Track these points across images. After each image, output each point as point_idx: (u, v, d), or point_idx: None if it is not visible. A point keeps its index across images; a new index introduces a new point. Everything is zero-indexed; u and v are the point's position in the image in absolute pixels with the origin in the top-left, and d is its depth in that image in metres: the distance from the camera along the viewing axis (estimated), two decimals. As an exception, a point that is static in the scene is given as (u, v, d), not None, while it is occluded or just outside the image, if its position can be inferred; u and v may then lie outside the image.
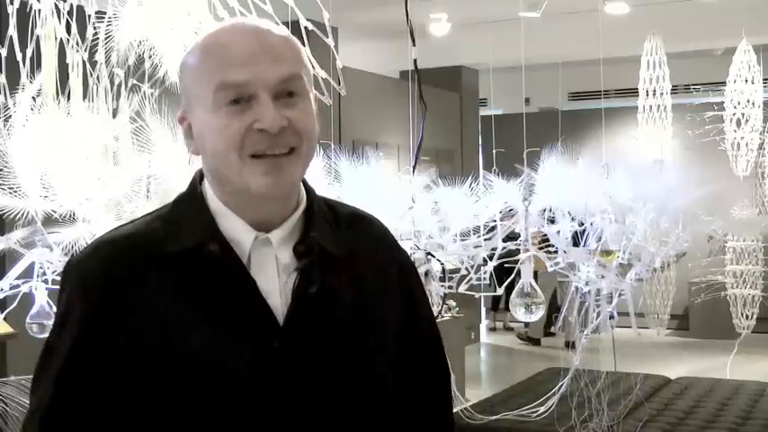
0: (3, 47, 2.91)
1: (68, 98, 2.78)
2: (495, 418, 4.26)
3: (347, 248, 1.31)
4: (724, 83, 7.61)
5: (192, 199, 1.29)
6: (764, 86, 7.67)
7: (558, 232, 3.62)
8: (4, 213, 2.70)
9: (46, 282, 2.89)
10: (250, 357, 1.22)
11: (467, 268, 3.61)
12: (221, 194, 1.27)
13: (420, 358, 1.41)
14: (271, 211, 1.26)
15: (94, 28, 2.78)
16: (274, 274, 1.26)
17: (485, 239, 3.59)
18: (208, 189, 1.29)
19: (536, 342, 9.72)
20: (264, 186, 1.21)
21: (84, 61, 2.82)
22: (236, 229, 1.26)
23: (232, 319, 1.22)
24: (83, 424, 1.21)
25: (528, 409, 4.14)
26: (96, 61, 2.79)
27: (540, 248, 3.78)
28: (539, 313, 3.57)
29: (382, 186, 3.47)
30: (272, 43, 1.23)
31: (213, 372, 1.20)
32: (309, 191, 1.33)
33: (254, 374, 1.21)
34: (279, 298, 1.24)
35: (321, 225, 1.30)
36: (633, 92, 7.95)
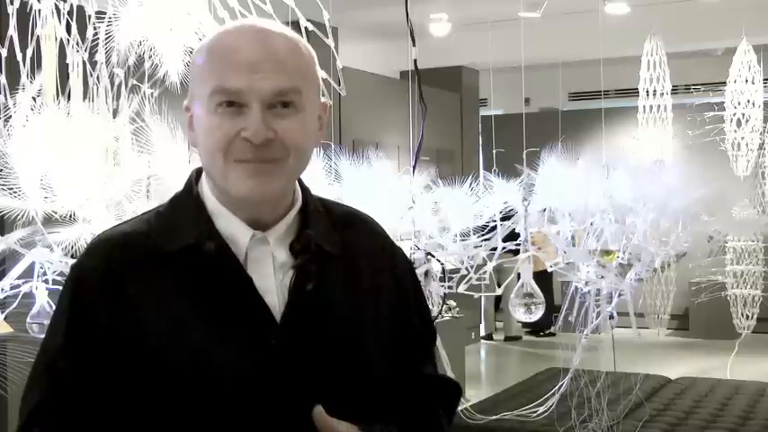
0: (3, 47, 2.90)
1: (68, 98, 2.78)
2: (495, 418, 4.26)
3: (343, 246, 1.32)
4: (724, 83, 7.60)
5: (189, 198, 1.31)
6: (765, 86, 7.66)
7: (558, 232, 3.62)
8: (4, 214, 2.70)
9: (47, 282, 2.89)
10: (248, 354, 1.22)
11: (467, 268, 3.61)
12: (215, 192, 1.29)
13: (414, 355, 1.41)
14: (262, 211, 1.28)
15: (94, 28, 2.78)
16: (271, 272, 1.27)
17: (484, 240, 3.59)
18: (205, 188, 1.31)
19: (516, 338, 10.05)
20: (245, 191, 1.23)
21: (84, 61, 2.81)
22: (233, 228, 1.27)
23: (229, 316, 1.23)
24: (78, 422, 1.21)
25: (528, 409, 4.15)
26: (96, 61, 2.78)
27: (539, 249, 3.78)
28: (538, 313, 3.57)
29: (382, 186, 3.47)
30: (277, 53, 1.23)
31: (211, 369, 1.21)
32: (305, 190, 1.35)
33: (251, 371, 1.22)
34: (276, 295, 1.26)
35: (317, 224, 1.31)
36: (633, 92, 7.94)
